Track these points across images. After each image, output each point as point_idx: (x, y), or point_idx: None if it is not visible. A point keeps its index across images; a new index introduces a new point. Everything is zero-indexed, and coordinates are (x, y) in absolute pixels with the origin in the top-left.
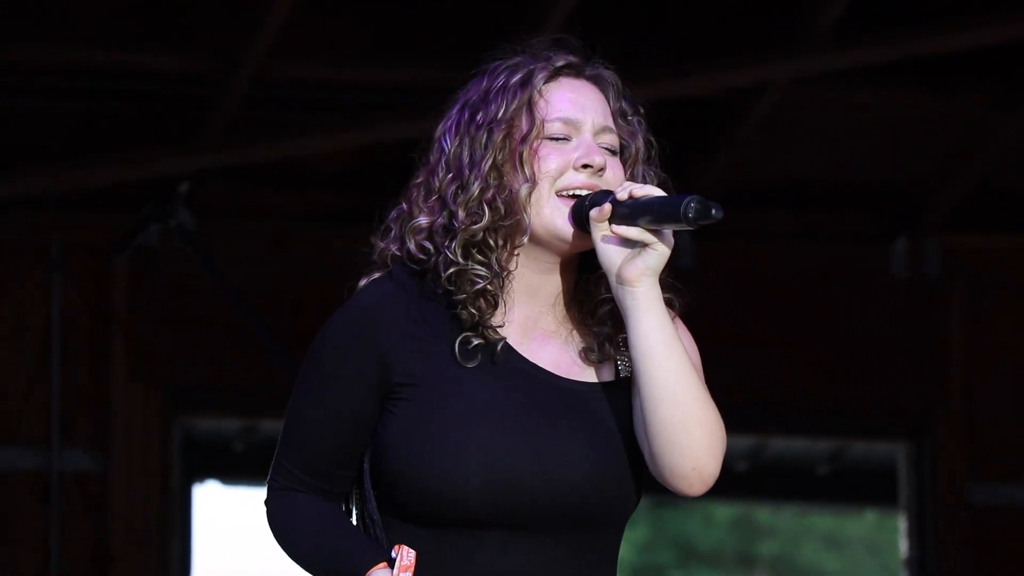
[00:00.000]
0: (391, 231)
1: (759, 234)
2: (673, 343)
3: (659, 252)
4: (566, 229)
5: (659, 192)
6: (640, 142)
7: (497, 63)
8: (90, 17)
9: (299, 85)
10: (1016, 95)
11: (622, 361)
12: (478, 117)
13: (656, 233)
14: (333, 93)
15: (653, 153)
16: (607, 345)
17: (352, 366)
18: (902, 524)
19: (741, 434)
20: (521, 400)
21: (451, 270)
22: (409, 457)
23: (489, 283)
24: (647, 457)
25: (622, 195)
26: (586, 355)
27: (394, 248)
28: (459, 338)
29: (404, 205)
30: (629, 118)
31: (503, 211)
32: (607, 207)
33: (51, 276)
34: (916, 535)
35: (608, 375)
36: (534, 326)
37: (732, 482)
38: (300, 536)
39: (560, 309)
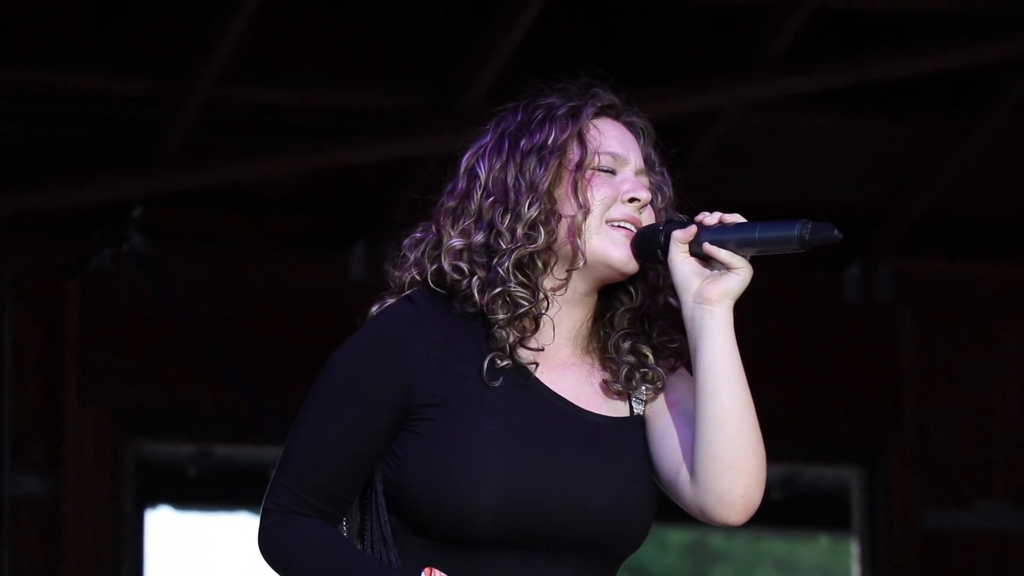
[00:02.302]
0: (408, 258)
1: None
2: (740, 367)
3: (743, 277)
4: (617, 255)
5: (744, 220)
6: (669, 191)
7: (529, 99)
8: (43, 40)
9: (252, 109)
10: (968, 121)
11: (637, 399)
12: (522, 144)
13: (743, 258)
14: (286, 117)
15: (676, 202)
16: (630, 381)
17: (374, 386)
18: (855, 549)
19: None
20: (543, 426)
21: (494, 290)
22: (429, 475)
23: (532, 305)
24: (687, 486)
25: (710, 220)
26: (606, 388)
27: (415, 272)
28: (488, 357)
29: (432, 230)
30: (657, 168)
31: (556, 235)
32: (692, 228)
33: (3, 299)
34: (868, 560)
35: (623, 411)
36: (555, 355)
37: None
38: (315, 559)
39: (581, 341)
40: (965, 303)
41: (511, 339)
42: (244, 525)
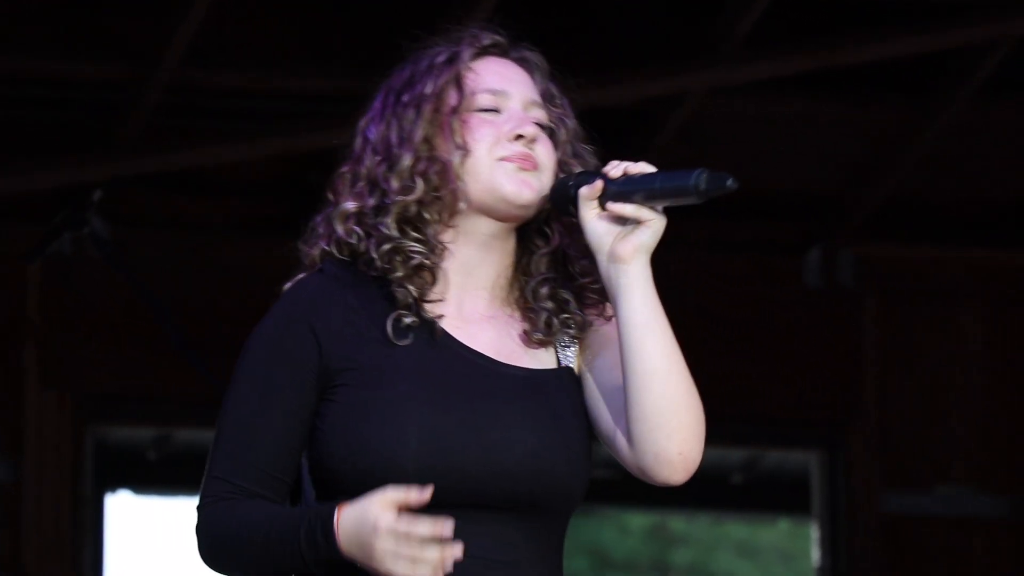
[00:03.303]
0: (318, 231)
1: (672, 243)
2: (664, 321)
3: (654, 229)
4: (509, 188)
5: (652, 169)
6: (571, 124)
7: (420, 53)
8: (4, 23)
9: (215, 92)
10: (930, 106)
11: (564, 350)
12: (404, 98)
13: (651, 210)
14: (250, 101)
15: (583, 136)
16: (549, 328)
17: (292, 355)
18: (815, 533)
19: None
20: (457, 381)
21: (385, 247)
22: (347, 444)
23: (426, 257)
24: (625, 445)
25: (615, 172)
26: (527, 339)
27: (323, 244)
28: (392, 316)
29: (330, 198)
30: (557, 100)
31: (436, 182)
32: (599, 184)
33: None
34: (828, 544)
35: (549, 362)
36: (472, 309)
37: (647, 491)
38: (248, 533)
39: (499, 291)
40: (927, 288)
41: (412, 295)
42: None
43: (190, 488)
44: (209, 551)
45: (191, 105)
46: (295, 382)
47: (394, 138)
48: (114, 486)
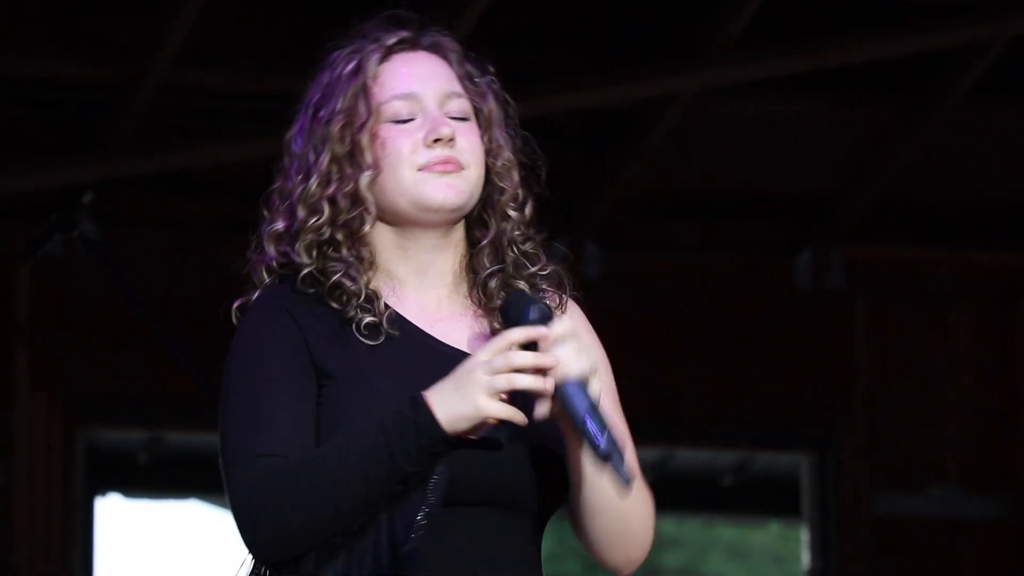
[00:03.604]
0: (261, 247)
1: (665, 244)
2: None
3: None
4: (434, 197)
5: (580, 367)
6: (492, 103)
7: (336, 53)
8: None
9: (206, 93)
10: (920, 107)
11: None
12: (320, 114)
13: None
14: (241, 102)
15: (511, 111)
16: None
17: (288, 339)
18: (805, 535)
19: (646, 446)
20: (437, 377)
21: (303, 271)
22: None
23: (343, 275)
24: (581, 540)
25: (558, 373)
26: (494, 334)
27: (266, 260)
28: (356, 320)
29: (264, 214)
30: (476, 80)
31: (344, 205)
32: (549, 388)
33: None
34: (819, 545)
35: None
36: (438, 308)
37: None
38: (317, 459)
39: (463, 288)
40: (917, 289)
41: (360, 308)
42: (194, 512)
43: (180, 491)
44: (274, 508)
45: (183, 106)
46: (299, 366)
47: (311, 157)
48: (105, 489)
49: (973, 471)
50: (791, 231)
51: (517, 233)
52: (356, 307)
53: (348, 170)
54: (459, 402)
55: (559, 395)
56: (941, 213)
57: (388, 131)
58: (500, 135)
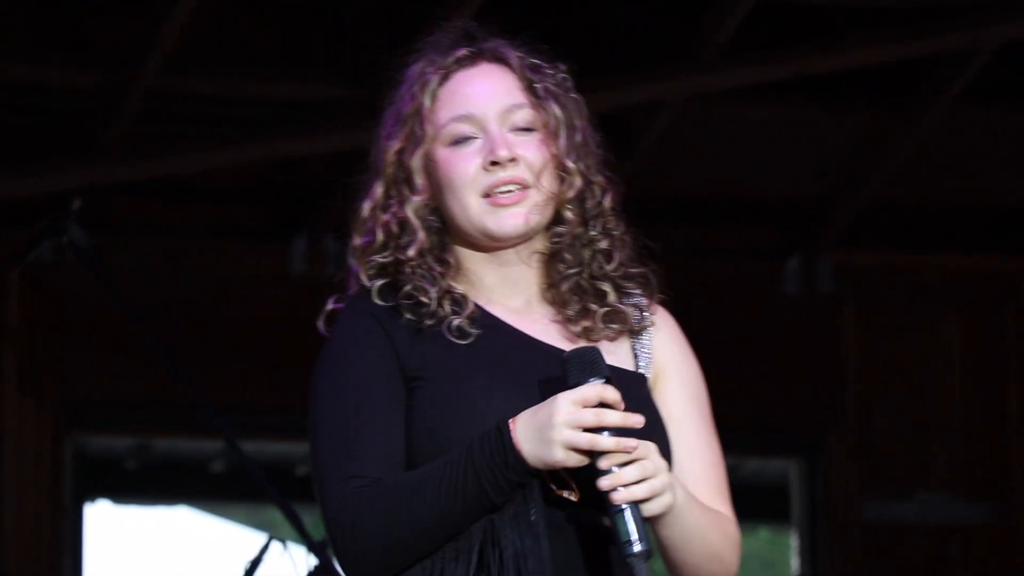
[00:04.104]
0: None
1: (653, 250)
2: (693, 526)
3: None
4: (499, 229)
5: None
6: (556, 108)
7: (405, 72)
8: None
9: (194, 99)
10: (908, 113)
11: (642, 355)
12: (382, 136)
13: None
14: (228, 107)
15: (582, 108)
16: (594, 322)
17: (377, 348)
18: (794, 541)
19: None
20: (532, 371)
21: (378, 284)
22: (433, 437)
23: (417, 286)
24: (669, 568)
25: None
26: (590, 334)
27: (353, 269)
28: (445, 324)
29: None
30: (539, 85)
31: (395, 231)
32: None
33: None
34: (808, 551)
35: (626, 362)
36: (528, 309)
37: None
38: (410, 483)
39: (549, 293)
40: (906, 295)
41: (448, 311)
42: (183, 518)
43: (169, 497)
44: (367, 534)
45: (172, 111)
46: (385, 372)
47: (371, 180)
48: (93, 495)
49: (962, 477)
50: (780, 236)
51: (593, 232)
52: (441, 310)
53: (403, 194)
54: (541, 446)
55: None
56: (930, 218)
57: (448, 154)
58: (568, 138)
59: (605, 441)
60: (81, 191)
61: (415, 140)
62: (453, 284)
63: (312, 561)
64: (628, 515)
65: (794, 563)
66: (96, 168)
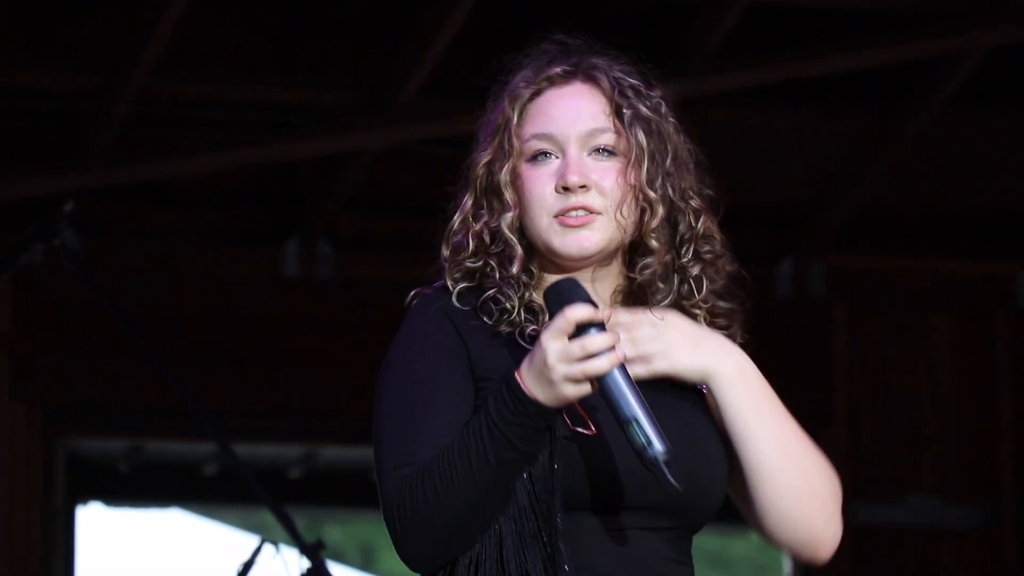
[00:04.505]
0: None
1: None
2: (770, 406)
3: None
4: (566, 250)
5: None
6: (642, 135)
7: (509, 81)
8: None
9: (183, 103)
10: (899, 117)
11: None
12: (475, 146)
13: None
14: (219, 111)
15: (674, 132)
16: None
17: (447, 345)
18: None
19: None
20: None
21: (459, 287)
22: None
23: (498, 292)
24: (760, 523)
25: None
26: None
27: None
28: (519, 327)
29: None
30: (625, 111)
31: (487, 241)
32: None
33: None
34: None
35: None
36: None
37: None
38: (444, 457)
39: (622, 303)
40: (897, 298)
41: (523, 319)
42: (176, 521)
43: (161, 499)
44: (413, 516)
45: (163, 115)
46: (453, 368)
47: (461, 189)
48: (85, 498)
49: (952, 480)
50: (771, 241)
51: (685, 260)
52: (519, 318)
53: (493, 206)
54: (549, 388)
55: (603, 386)
56: (921, 222)
57: (528, 171)
58: (653, 165)
59: (598, 365)
60: (72, 195)
61: (503, 154)
62: (534, 296)
63: (304, 564)
64: (638, 424)
65: (786, 567)
66: (88, 172)
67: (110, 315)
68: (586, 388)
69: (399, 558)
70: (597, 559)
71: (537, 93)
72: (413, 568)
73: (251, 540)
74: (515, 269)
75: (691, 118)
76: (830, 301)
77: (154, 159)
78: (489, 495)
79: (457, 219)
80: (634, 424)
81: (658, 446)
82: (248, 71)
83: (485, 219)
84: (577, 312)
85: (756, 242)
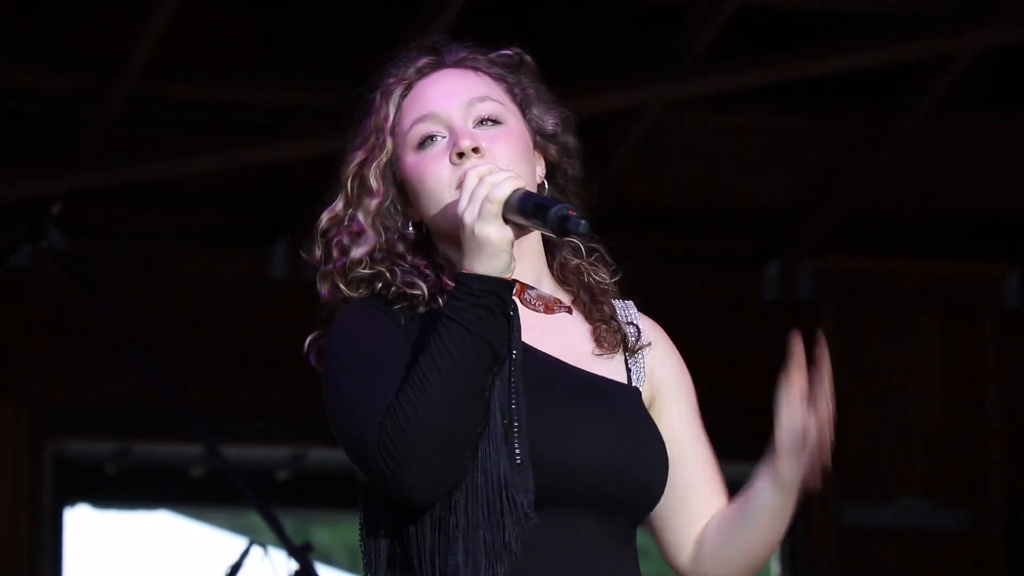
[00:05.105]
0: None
1: (632, 256)
2: (789, 514)
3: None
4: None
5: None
6: (523, 89)
7: (371, 90)
8: None
9: (174, 104)
10: (887, 119)
11: (635, 368)
12: (353, 148)
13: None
14: (209, 112)
15: (539, 93)
16: (608, 334)
17: (392, 326)
18: None
19: None
20: (546, 382)
21: (360, 293)
22: None
23: (398, 287)
24: (671, 541)
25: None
26: (599, 341)
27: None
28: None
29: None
30: (497, 71)
31: (384, 236)
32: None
33: None
34: (787, 557)
35: (618, 374)
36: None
37: None
38: (417, 373)
39: (547, 286)
40: (885, 300)
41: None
42: (163, 522)
43: (149, 501)
44: (407, 429)
45: (151, 116)
46: (398, 338)
47: (335, 196)
48: (73, 500)
49: (940, 482)
50: (759, 243)
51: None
52: (435, 303)
53: (362, 203)
54: (477, 254)
55: (517, 208)
56: (908, 224)
57: (417, 159)
58: (539, 116)
59: (500, 190)
60: (61, 196)
61: (376, 152)
62: (447, 281)
63: (292, 566)
64: (553, 205)
65: (774, 568)
66: (76, 173)
67: (98, 317)
68: (505, 228)
69: (398, 496)
70: (545, 556)
71: (409, 87)
72: (415, 496)
73: (239, 542)
74: (361, 252)
75: (678, 121)
76: (818, 303)
77: (143, 160)
78: (464, 395)
79: (324, 219)
80: (550, 206)
81: (574, 211)
82: (238, 73)
83: (362, 217)
84: (472, 175)
85: (743, 244)
